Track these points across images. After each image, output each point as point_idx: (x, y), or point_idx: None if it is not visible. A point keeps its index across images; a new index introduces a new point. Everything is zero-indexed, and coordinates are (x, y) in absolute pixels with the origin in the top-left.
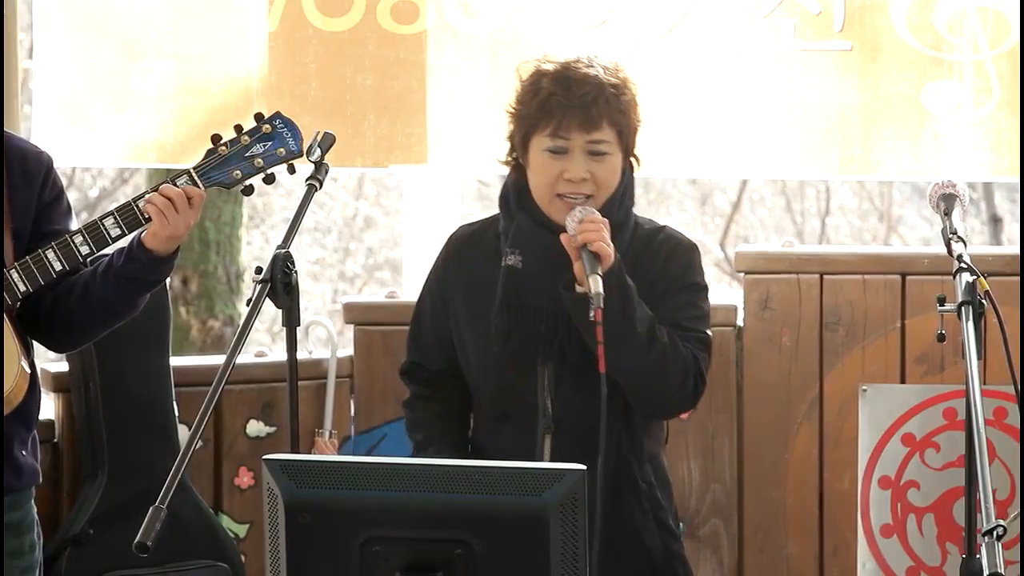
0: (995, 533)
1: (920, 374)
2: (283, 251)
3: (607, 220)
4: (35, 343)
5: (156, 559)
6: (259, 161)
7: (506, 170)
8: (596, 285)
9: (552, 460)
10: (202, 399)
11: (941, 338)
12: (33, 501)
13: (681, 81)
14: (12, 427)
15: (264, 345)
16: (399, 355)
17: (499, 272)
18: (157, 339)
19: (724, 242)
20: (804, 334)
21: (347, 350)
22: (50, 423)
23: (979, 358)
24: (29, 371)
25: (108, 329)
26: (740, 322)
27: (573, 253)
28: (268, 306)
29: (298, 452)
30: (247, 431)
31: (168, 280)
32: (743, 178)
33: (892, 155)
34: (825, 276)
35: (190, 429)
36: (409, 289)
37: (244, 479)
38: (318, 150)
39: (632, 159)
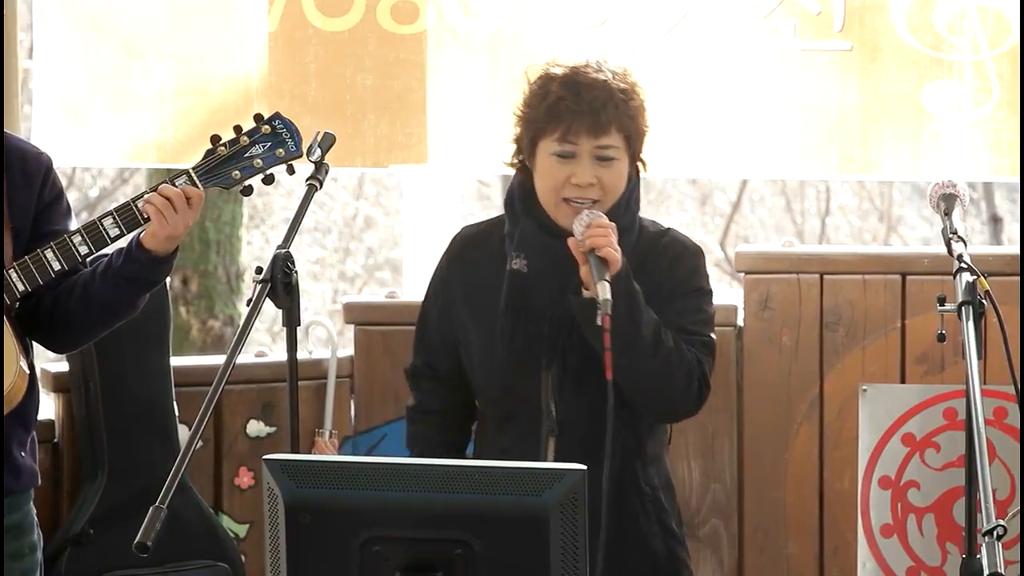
0: (995, 533)
1: (920, 374)
2: (283, 251)
3: (614, 224)
4: (35, 344)
5: (156, 559)
6: (258, 162)
7: (507, 170)
8: (604, 291)
9: (556, 462)
10: (202, 399)
11: (941, 338)
12: (32, 502)
13: (681, 81)
14: (11, 428)
15: (264, 345)
16: (399, 355)
17: (503, 274)
18: (157, 339)
19: (724, 242)
20: (804, 334)
21: (347, 350)
22: (50, 423)
23: (979, 358)
24: (28, 371)
25: (108, 329)
26: (740, 322)
27: (580, 257)
28: (268, 306)
29: (298, 452)
30: (247, 431)
31: (168, 280)
32: (743, 178)
33: (892, 155)
34: (825, 276)
35: (190, 429)
36: (409, 289)
37: (244, 479)
38: (318, 150)
39: (638, 164)
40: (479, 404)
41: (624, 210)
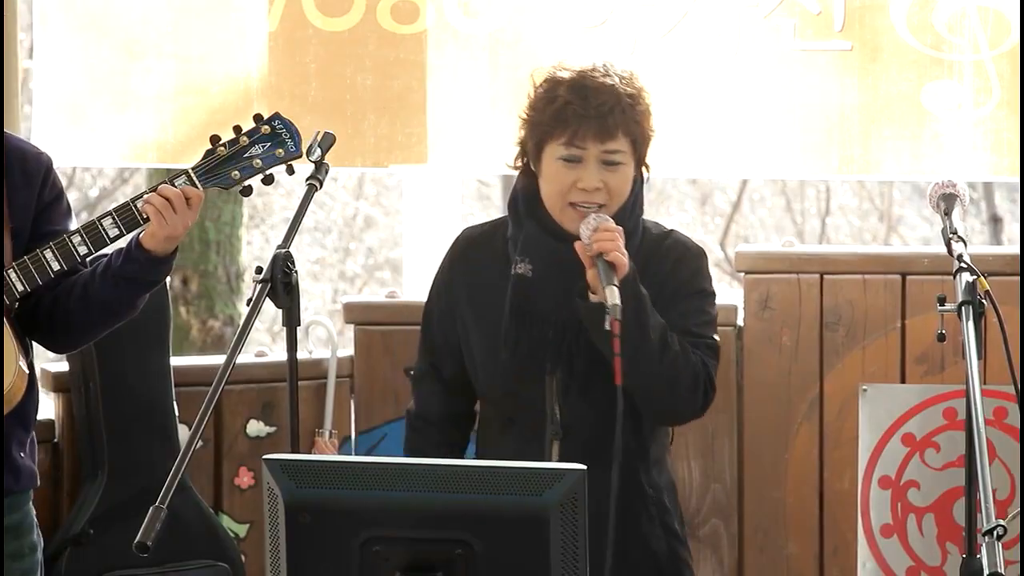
0: (995, 533)
1: (920, 374)
2: (283, 251)
3: (621, 228)
4: (35, 344)
5: (156, 559)
6: (257, 162)
7: (507, 170)
8: (613, 296)
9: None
10: (202, 399)
11: (941, 338)
12: (32, 503)
13: (681, 81)
14: (10, 428)
15: (264, 345)
16: (399, 355)
17: (506, 275)
18: (157, 339)
19: (724, 242)
20: (804, 334)
21: (347, 350)
22: (50, 423)
23: (979, 358)
24: (27, 371)
25: (107, 329)
26: (740, 322)
27: (587, 261)
28: (268, 306)
29: (298, 452)
30: (247, 431)
31: (168, 280)
32: (743, 178)
33: (892, 155)
34: (825, 276)
35: (190, 429)
36: (409, 289)
37: (244, 479)
38: (318, 150)
39: (643, 167)
40: (481, 405)
41: (629, 214)
